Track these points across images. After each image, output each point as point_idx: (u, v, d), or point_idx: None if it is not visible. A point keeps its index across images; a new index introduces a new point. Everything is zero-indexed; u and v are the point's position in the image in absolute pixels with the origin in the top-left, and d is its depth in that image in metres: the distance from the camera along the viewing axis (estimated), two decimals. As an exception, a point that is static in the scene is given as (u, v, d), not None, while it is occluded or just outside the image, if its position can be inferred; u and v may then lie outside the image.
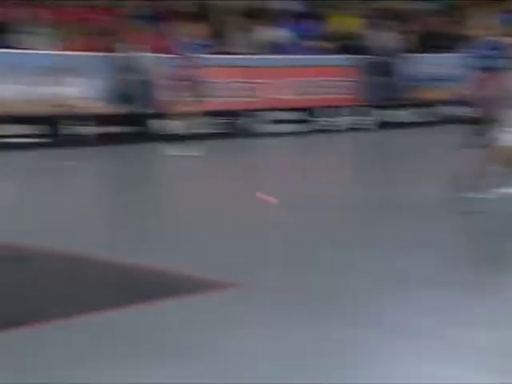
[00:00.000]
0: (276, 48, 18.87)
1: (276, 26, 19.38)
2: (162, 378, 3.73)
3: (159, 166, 13.48)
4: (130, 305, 5.04)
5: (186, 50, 12.59)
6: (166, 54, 15.31)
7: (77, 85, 15.39)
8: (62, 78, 15.26)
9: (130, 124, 15.59)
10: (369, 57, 19.25)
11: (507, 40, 7.89)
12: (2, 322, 4.62)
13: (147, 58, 16.15)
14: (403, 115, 19.08)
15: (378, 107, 18.74)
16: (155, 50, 16.43)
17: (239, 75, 17.50)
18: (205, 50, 12.08)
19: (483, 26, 7.99)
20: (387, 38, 19.59)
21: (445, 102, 18.34)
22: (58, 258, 6.23)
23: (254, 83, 17.66)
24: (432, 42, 20.40)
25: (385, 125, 18.42)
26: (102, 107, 15.46)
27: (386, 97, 19.10)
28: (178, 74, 13.15)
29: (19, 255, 6.29)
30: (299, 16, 20.00)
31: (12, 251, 6.39)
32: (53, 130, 14.71)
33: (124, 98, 15.66)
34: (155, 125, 15.66)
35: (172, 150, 13.05)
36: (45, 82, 14.99)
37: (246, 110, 17.07)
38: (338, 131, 17.79)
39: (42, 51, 15.65)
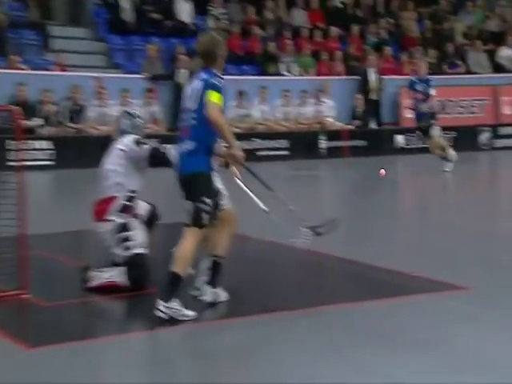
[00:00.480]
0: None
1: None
2: (397, 367, 4.20)
3: (404, 175, 14.26)
4: (366, 300, 5.47)
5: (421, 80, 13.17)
6: (400, 75, 16.39)
7: (328, 104, 16.78)
8: (317, 99, 16.79)
9: (363, 138, 16.54)
10: None
11: None
12: (258, 307, 5.38)
13: (383, 79, 17.13)
14: None
15: None
16: (392, 73, 17.54)
17: (482, 93, 18.16)
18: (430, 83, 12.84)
19: None
20: None
21: None
22: (305, 254, 6.39)
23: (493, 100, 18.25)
24: None
25: None
26: (344, 123, 16.69)
27: None
28: (414, 96, 13.45)
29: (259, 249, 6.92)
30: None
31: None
32: (304, 143, 15.99)
33: (364, 115, 16.78)
34: (390, 139, 16.70)
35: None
36: (305, 103, 16.59)
37: (485, 126, 17.67)
38: None
39: (302, 77, 17.36)
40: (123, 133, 6.24)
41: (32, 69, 14.59)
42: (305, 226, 5.56)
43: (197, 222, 5.19)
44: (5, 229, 5.58)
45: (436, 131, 13.26)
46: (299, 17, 18.70)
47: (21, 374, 4.31)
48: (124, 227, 5.91)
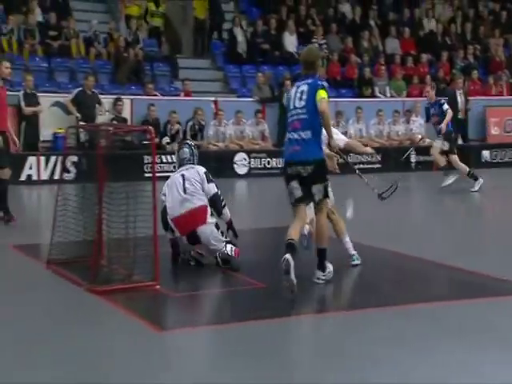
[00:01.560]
0: None
1: None
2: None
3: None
4: (452, 299, 5.41)
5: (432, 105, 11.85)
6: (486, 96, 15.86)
7: (418, 122, 16.43)
8: (409, 118, 16.49)
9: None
10: None
11: None
12: (367, 303, 5.38)
13: (470, 100, 16.56)
14: None
15: None
16: (479, 94, 16.99)
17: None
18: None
19: None
20: None
21: None
22: (397, 256, 6.73)
23: None
24: None
25: None
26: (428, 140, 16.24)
27: None
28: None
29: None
30: None
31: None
32: (395, 158, 15.60)
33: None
34: (478, 154, 16.12)
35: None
36: (397, 122, 16.32)
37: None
38: None
39: (394, 98, 17.14)
40: (184, 160, 6.63)
41: (162, 94, 15.04)
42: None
43: (325, 198, 5.72)
44: (142, 230, 5.80)
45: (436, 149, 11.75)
46: (392, 45, 18.43)
47: (154, 354, 4.44)
48: (217, 225, 6.45)
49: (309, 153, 5.65)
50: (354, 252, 6.41)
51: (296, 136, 5.69)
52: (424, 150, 15.65)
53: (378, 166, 15.48)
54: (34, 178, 12.68)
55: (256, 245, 7.92)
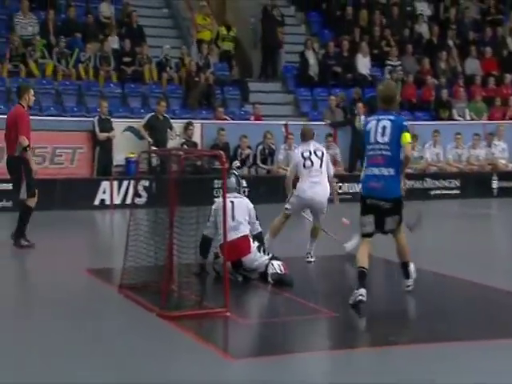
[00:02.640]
0: None
1: None
2: None
3: None
4: None
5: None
6: None
7: (500, 147, 16.09)
8: (491, 142, 16.16)
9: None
10: None
11: None
12: (438, 336, 5.29)
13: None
14: None
15: None
16: None
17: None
18: None
19: None
20: None
21: None
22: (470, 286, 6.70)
23: None
24: None
25: None
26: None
27: None
28: None
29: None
30: None
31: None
32: (476, 183, 15.24)
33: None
34: None
35: None
36: (477, 145, 16.00)
37: None
38: None
39: (474, 121, 16.84)
40: (231, 189, 6.92)
41: (232, 118, 15.27)
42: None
43: (399, 225, 6.15)
44: (211, 255, 5.90)
45: None
46: (472, 65, 18.11)
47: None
48: (259, 247, 6.90)
49: (389, 191, 5.96)
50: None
51: (377, 172, 5.95)
52: (508, 176, 15.32)
53: (456, 191, 15.23)
54: (107, 202, 13.06)
55: (321, 272, 7.98)
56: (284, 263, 6.63)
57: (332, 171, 7.96)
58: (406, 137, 5.89)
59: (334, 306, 6.04)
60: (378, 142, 5.95)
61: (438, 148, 15.76)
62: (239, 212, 6.81)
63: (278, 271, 6.50)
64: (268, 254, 6.76)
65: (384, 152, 5.93)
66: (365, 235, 6.14)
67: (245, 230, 6.81)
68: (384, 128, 5.95)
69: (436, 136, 15.73)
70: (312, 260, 7.92)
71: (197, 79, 15.50)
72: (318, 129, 15.03)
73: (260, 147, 14.53)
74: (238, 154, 14.42)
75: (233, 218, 6.75)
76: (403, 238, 6.29)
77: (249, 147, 14.55)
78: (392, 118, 6.01)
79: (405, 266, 6.40)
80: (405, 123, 6.00)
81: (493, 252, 9.03)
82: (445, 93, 16.73)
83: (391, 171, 5.91)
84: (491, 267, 7.82)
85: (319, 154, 7.80)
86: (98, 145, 13.43)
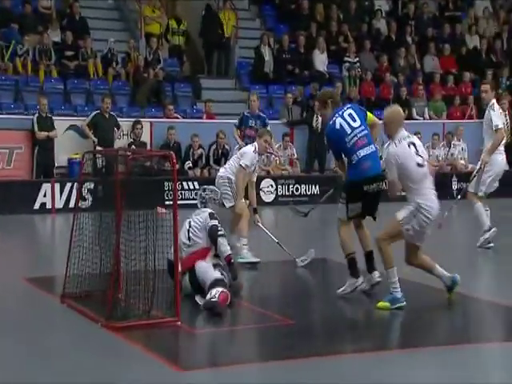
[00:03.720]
0: None
1: None
2: None
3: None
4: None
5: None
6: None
7: (460, 147, 16.39)
8: (450, 142, 16.44)
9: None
10: None
11: None
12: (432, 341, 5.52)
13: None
14: None
15: None
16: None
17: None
18: None
19: None
20: None
21: None
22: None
23: None
24: None
25: None
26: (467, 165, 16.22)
27: None
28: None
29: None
30: None
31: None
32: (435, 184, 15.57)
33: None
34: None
35: None
36: (436, 145, 16.25)
37: None
38: None
39: (434, 120, 17.13)
40: (203, 203, 6.96)
41: (184, 117, 15.22)
42: None
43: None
44: (161, 262, 5.86)
45: None
46: (431, 63, 18.45)
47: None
48: (218, 265, 6.62)
49: (379, 164, 6.61)
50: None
51: (366, 151, 6.54)
52: (467, 176, 15.58)
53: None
54: (48, 206, 12.88)
55: (280, 278, 8.02)
56: (225, 294, 6.16)
57: None
58: (369, 114, 6.81)
59: (293, 313, 6.05)
60: (354, 128, 6.58)
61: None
62: (194, 232, 6.71)
63: (212, 298, 6.08)
64: (221, 275, 6.46)
65: (363, 132, 6.60)
66: (350, 218, 6.62)
67: (202, 244, 6.70)
68: (350, 115, 6.64)
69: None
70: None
71: (145, 75, 15.40)
72: (275, 128, 15.24)
73: (213, 147, 14.51)
74: (189, 154, 14.38)
75: (188, 238, 6.70)
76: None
77: (201, 147, 14.51)
78: (349, 105, 6.93)
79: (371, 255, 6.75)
80: (361, 108, 6.93)
81: (453, 257, 9.17)
82: (404, 91, 16.97)
83: (373, 147, 6.61)
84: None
85: None
86: (38, 144, 13.24)
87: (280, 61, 17.00)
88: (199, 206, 7.03)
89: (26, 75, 14.64)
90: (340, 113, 6.66)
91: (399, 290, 6.24)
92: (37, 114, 13.35)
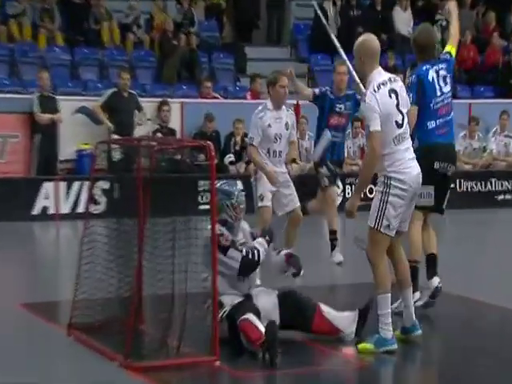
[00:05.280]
0: None
1: None
2: None
3: None
4: None
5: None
6: None
7: None
8: None
9: None
10: None
11: None
12: None
13: None
14: None
15: None
16: None
17: None
18: None
19: None
20: None
21: None
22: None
23: None
24: None
25: None
26: None
27: None
28: None
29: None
30: None
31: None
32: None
33: None
34: None
35: None
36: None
37: None
38: None
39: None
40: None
41: (224, 97, 15.34)
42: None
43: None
44: (195, 283, 5.89)
45: None
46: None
47: None
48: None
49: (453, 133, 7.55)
50: None
51: (450, 120, 7.42)
52: None
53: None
54: (51, 210, 13.10)
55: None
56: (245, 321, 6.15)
57: None
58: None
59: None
60: (441, 94, 7.33)
61: (508, 136, 15.74)
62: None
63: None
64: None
65: (449, 99, 7.38)
66: (424, 210, 7.23)
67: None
68: (442, 78, 7.33)
69: (504, 119, 15.74)
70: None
71: (175, 42, 15.55)
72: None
73: (261, 135, 14.55)
74: (231, 144, 14.45)
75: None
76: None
77: (246, 135, 14.57)
78: (443, 65, 7.43)
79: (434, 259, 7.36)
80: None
81: None
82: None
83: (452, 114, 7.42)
84: None
85: None
86: (39, 132, 13.46)
87: (349, 22, 16.95)
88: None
89: (23, 42, 14.90)
90: (431, 70, 7.31)
91: (391, 328, 6.13)
92: (37, 93, 13.58)
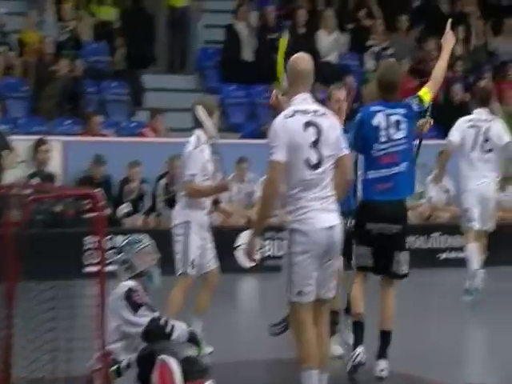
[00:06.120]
0: None
1: None
2: None
3: None
4: None
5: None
6: None
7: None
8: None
9: None
10: None
11: None
12: None
13: None
14: None
15: None
16: None
17: None
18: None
19: None
20: None
21: None
22: None
23: None
24: None
25: None
26: None
27: None
28: None
29: None
30: None
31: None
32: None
33: None
34: None
35: None
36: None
37: None
38: None
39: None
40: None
41: (117, 135, 15.20)
42: None
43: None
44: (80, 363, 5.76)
45: None
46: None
47: None
48: None
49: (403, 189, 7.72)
50: None
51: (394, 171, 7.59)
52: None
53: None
54: None
55: None
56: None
57: None
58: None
59: None
60: (389, 140, 7.58)
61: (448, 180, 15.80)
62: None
63: None
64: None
65: (401, 147, 7.60)
66: (362, 270, 7.75)
67: None
68: (398, 123, 7.60)
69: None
70: None
71: (55, 68, 15.41)
72: (257, 150, 15.17)
73: (162, 182, 14.45)
74: (125, 192, 14.31)
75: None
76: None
77: (143, 181, 14.46)
78: (402, 111, 7.64)
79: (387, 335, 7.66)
80: (417, 109, 7.74)
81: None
82: (458, 89, 17.16)
83: (405, 166, 7.63)
84: None
85: None
86: None
87: (263, 45, 17.03)
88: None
89: None
90: (385, 112, 7.61)
91: None
92: None
